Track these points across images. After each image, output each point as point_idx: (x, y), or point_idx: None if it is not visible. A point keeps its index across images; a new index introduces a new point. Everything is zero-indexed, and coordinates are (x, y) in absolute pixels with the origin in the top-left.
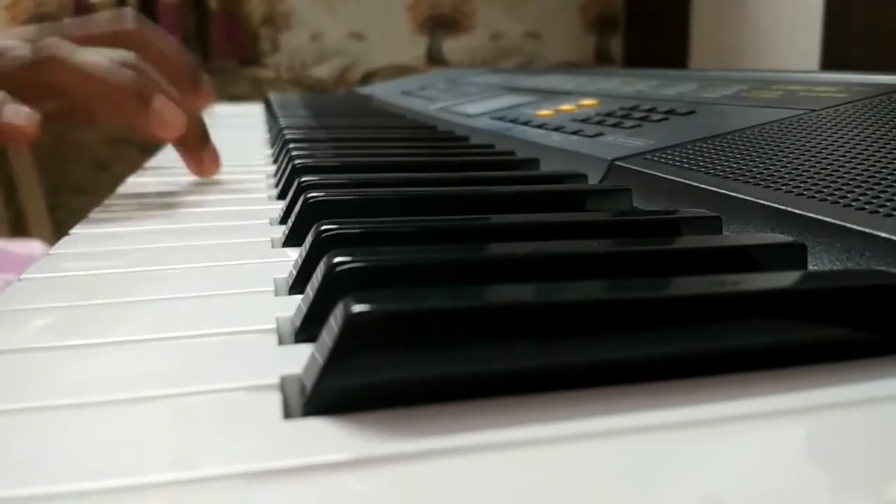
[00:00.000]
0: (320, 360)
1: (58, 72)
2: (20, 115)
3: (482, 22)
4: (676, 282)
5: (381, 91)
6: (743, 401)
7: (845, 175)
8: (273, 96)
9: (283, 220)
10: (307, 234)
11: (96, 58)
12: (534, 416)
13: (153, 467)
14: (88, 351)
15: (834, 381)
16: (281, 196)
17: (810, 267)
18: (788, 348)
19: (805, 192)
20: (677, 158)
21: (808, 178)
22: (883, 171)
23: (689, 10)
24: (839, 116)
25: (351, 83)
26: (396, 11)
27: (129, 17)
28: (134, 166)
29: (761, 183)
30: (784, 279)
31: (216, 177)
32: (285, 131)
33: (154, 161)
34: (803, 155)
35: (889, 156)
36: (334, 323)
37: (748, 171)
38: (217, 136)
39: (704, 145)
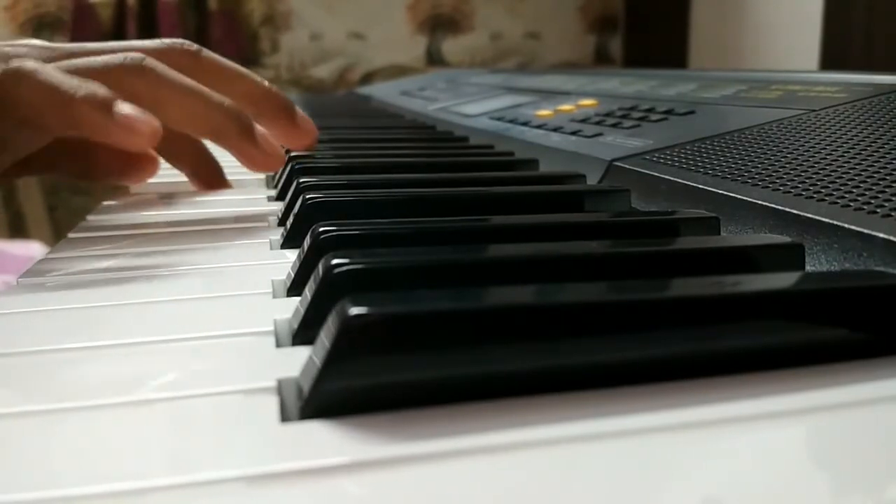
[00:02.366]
0: (318, 363)
1: (21, 87)
2: (138, 114)
3: (482, 22)
4: (675, 283)
5: (381, 91)
6: (742, 402)
7: (844, 175)
8: None
9: (282, 221)
10: (306, 235)
11: (60, 73)
12: (532, 419)
13: (151, 471)
14: (86, 354)
15: (833, 382)
16: (280, 197)
17: (808, 268)
18: (787, 349)
19: (803, 193)
20: (676, 159)
21: (806, 178)
22: (881, 171)
23: (689, 10)
24: (838, 116)
25: (350, 83)
26: (396, 11)
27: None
28: None
29: (760, 183)
30: (782, 280)
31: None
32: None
33: None
34: (802, 155)
35: (888, 156)
36: (332, 325)
37: (747, 172)
38: None
39: (703, 145)
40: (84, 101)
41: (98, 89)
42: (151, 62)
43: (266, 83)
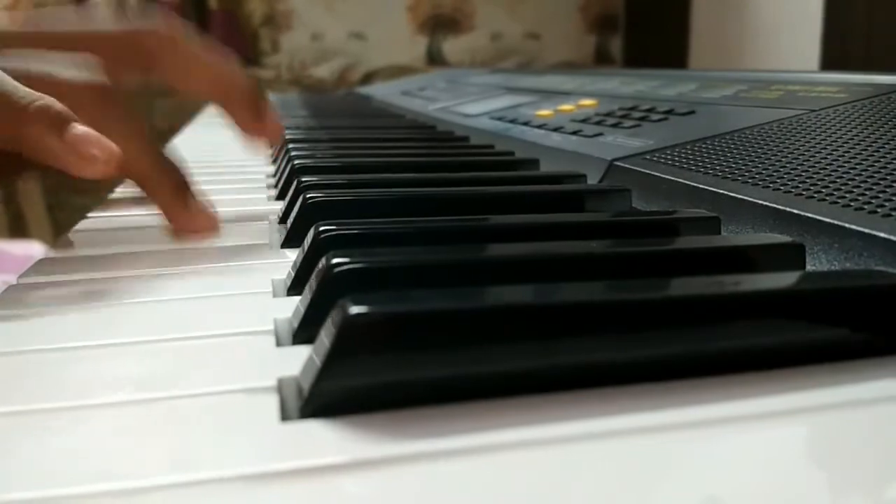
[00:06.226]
0: (318, 362)
1: None
2: (93, 138)
3: (482, 22)
4: (675, 283)
5: (381, 91)
6: (743, 401)
7: (844, 175)
8: (273, 96)
9: (283, 221)
10: (306, 234)
11: (12, 80)
12: (532, 418)
13: (151, 470)
14: (85, 353)
15: (833, 382)
16: (280, 196)
17: (809, 267)
18: (787, 349)
19: (804, 193)
20: (676, 158)
21: (807, 178)
22: (882, 171)
23: (689, 10)
24: (839, 116)
25: (351, 83)
26: (396, 11)
27: (161, 20)
28: None
29: (760, 183)
30: (782, 280)
31: (213, 176)
32: (285, 131)
33: None
34: (802, 155)
35: (888, 156)
36: (332, 324)
37: (747, 172)
38: (216, 135)
39: (704, 145)
40: (36, 117)
41: (53, 104)
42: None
43: (237, 73)
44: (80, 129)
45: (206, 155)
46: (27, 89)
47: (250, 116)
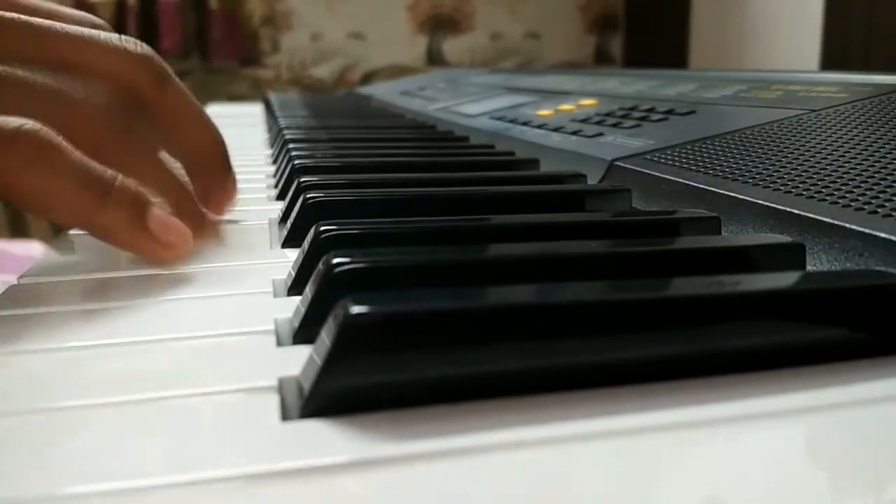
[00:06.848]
0: (318, 362)
1: (31, 172)
2: (173, 226)
3: (482, 22)
4: (675, 283)
5: (381, 91)
6: (743, 401)
7: (844, 175)
8: (273, 96)
9: (283, 221)
10: (306, 234)
11: (77, 152)
12: (533, 417)
13: (152, 469)
14: (86, 353)
15: (833, 382)
16: (280, 196)
17: (809, 267)
18: (787, 349)
19: (804, 193)
20: (677, 158)
21: (807, 178)
22: (882, 171)
23: (689, 10)
24: (838, 116)
25: (351, 83)
26: (396, 11)
27: (140, 48)
28: None
29: (760, 183)
30: (783, 280)
31: None
32: (285, 131)
33: None
34: (802, 155)
35: (888, 156)
36: (332, 324)
37: (747, 172)
38: None
39: (704, 145)
40: (116, 203)
41: (130, 184)
42: (44, 137)
43: (218, 136)
44: (157, 214)
45: None
46: (101, 166)
47: (217, 187)
